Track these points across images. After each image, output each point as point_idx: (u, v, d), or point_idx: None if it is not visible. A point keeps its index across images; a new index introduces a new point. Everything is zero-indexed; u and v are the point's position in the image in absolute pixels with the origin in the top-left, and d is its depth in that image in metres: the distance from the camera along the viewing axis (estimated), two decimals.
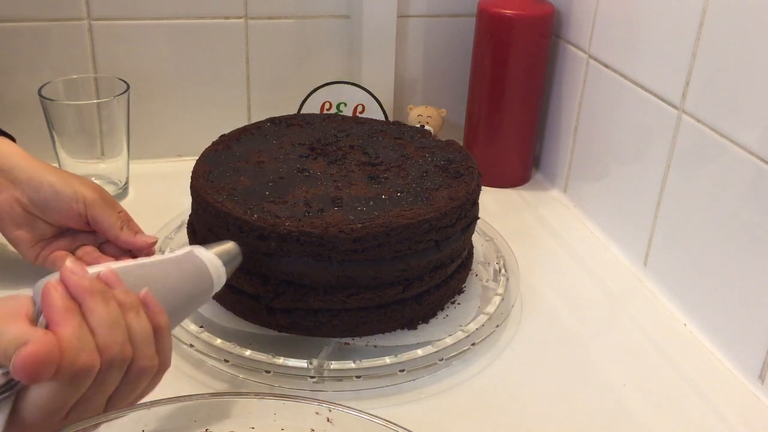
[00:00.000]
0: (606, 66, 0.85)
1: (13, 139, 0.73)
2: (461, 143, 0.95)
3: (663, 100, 0.75)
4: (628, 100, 0.81)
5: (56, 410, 0.43)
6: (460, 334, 0.67)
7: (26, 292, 0.72)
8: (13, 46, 0.90)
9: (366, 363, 0.63)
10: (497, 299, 0.72)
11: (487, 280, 0.76)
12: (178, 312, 0.53)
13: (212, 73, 0.98)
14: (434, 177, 0.71)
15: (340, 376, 0.63)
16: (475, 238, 0.79)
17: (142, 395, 0.49)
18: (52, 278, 0.46)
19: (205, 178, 0.70)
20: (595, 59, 0.87)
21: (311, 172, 0.71)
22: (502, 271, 0.76)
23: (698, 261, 0.72)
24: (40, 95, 0.83)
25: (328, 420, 0.55)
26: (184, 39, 0.95)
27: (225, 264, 0.58)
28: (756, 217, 0.64)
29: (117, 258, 0.71)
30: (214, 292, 0.57)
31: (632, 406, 0.63)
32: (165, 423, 0.55)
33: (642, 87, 0.78)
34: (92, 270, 0.48)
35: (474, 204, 0.72)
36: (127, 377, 0.46)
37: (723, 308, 0.69)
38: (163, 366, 0.49)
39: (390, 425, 0.53)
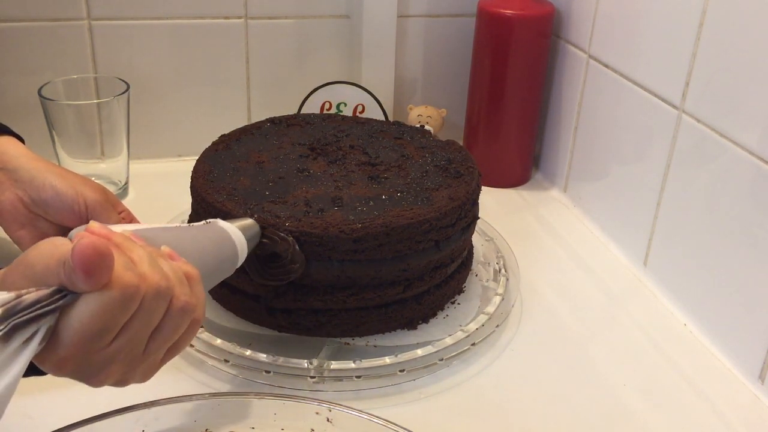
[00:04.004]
0: (606, 66, 0.85)
1: (21, 140, 0.73)
2: (461, 143, 0.95)
3: (663, 100, 0.75)
4: (628, 100, 0.81)
5: (100, 333, 0.42)
6: (460, 334, 0.66)
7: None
8: (13, 46, 0.90)
9: (366, 363, 0.63)
10: (497, 299, 0.72)
11: (487, 280, 0.76)
12: (205, 277, 0.52)
13: (212, 73, 0.98)
14: (434, 177, 0.71)
15: (340, 376, 0.63)
16: (475, 238, 0.79)
17: (181, 345, 0.48)
18: (80, 229, 0.46)
19: (205, 178, 0.70)
20: (595, 59, 0.87)
21: (311, 172, 0.71)
22: (502, 271, 0.76)
23: (698, 261, 0.72)
24: (40, 95, 0.83)
25: (328, 420, 0.55)
26: (184, 39, 0.95)
27: (246, 238, 0.58)
28: (755, 217, 0.64)
29: None
30: (238, 264, 0.58)
31: (632, 406, 0.63)
32: (165, 423, 0.55)
33: (642, 87, 0.78)
34: (115, 228, 0.48)
35: (474, 204, 0.72)
36: (169, 312, 0.45)
37: (723, 308, 0.69)
38: (199, 314, 0.48)
39: (390, 425, 0.54)
